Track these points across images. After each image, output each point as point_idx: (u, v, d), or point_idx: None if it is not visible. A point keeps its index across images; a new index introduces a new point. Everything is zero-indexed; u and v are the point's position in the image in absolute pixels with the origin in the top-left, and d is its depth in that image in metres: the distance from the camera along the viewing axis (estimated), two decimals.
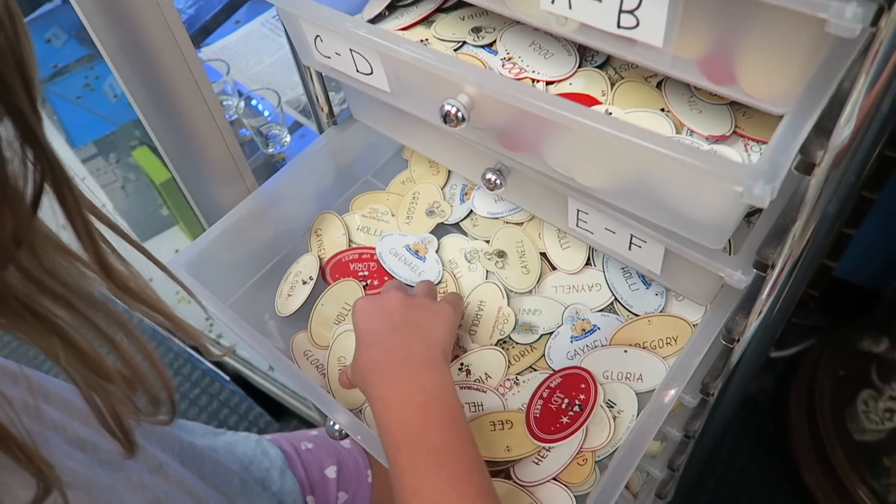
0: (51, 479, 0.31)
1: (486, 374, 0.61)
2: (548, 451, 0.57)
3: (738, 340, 0.53)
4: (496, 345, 0.63)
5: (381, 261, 0.70)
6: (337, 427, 0.57)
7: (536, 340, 0.64)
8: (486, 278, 0.68)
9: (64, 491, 0.32)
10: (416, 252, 0.70)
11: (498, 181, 0.59)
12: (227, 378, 1.29)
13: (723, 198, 0.40)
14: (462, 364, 0.62)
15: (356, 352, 0.54)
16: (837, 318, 1.27)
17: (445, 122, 0.49)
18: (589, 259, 0.67)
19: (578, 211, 0.56)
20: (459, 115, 0.48)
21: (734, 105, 0.50)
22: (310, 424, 1.37)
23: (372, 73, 0.55)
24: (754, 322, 0.51)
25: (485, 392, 0.60)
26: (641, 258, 0.55)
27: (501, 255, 0.68)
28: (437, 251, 0.70)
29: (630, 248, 0.55)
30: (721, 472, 1.23)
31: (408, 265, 0.70)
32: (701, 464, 0.74)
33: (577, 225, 0.58)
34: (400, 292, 0.57)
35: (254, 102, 1.00)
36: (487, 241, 0.71)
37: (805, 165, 0.39)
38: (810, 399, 1.17)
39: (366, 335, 0.53)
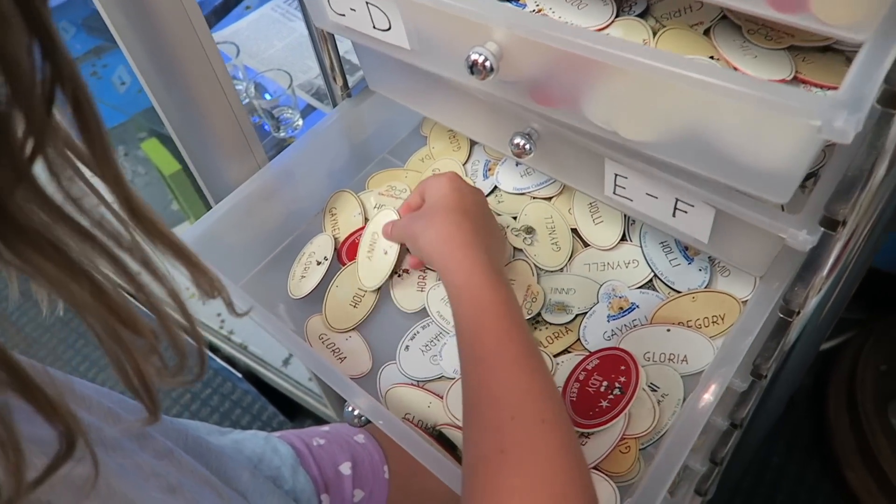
0: (74, 430, 0.27)
1: None
2: (587, 437, 0.52)
3: (799, 313, 0.48)
4: (553, 310, 0.58)
5: None
6: (357, 412, 0.53)
7: (570, 321, 0.59)
8: (514, 256, 0.63)
9: (89, 441, 0.28)
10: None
11: (527, 146, 0.54)
12: (240, 376, 1.25)
13: (796, 137, 0.35)
14: None
15: (431, 217, 0.52)
16: (876, 311, 1.20)
17: (472, 73, 0.44)
18: (624, 234, 0.63)
19: (616, 176, 0.52)
20: (488, 64, 0.44)
21: (792, 50, 0.45)
22: (326, 423, 1.32)
23: (390, 28, 0.51)
24: (819, 291, 0.46)
25: None
26: (687, 225, 0.50)
27: (530, 231, 0.63)
28: None
29: (674, 215, 0.50)
30: (757, 471, 1.17)
31: None
32: (748, 458, 0.69)
33: (614, 192, 0.53)
34: (485, 199, 0.56)
35: (265, 93, 0.97)
36: (514, 218, 0.66)
37: (890, 97, 0.34)
38: (851, 395, 1.11)
39: (454, 205, 0.52)
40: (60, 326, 1.60)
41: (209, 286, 0.36)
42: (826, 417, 1.14)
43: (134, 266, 0.30)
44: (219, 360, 1.28)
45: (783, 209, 0.45)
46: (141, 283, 0.31)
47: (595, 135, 0.47)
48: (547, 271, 0.62)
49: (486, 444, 0.40)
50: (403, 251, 0.63)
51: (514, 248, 0.64)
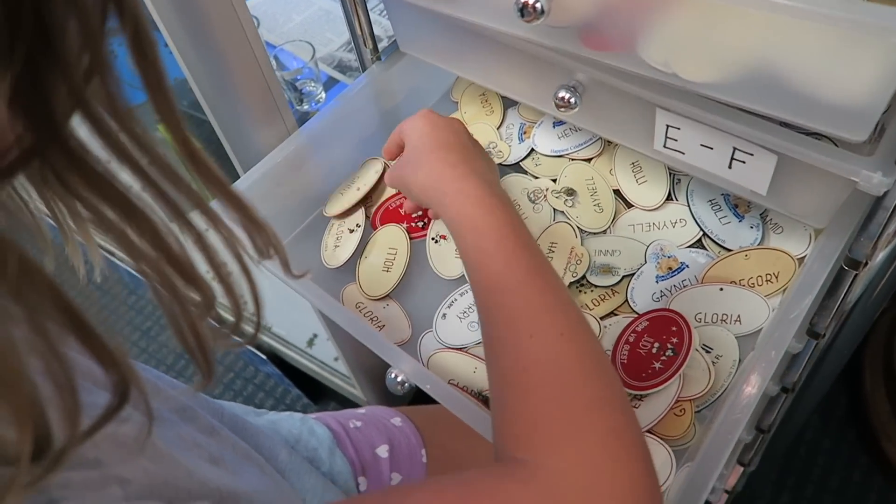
0: (129, 380, 0.26)
1: None
2: (640, 400, 0.50)
3: (866, 264, 0.46)
4: (570, 288, 0.57)
5: None
6: (400, 378, 0.51)
7: (617, 283, 0.57)
8: (555, 218, 0.61)
9: (144, 389, 0.27)
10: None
11: (572, 99, 0.52)
12: (264, 358, 1.24)
13: (881, 61, 0.33)
14: None
15: (417, 157, 0.51)
16: None
17: (522, 15, 0.42)
18: (669, 194, 0.60)
19: (668, 127, 0.49)
20: (539, 5, 0.42)
21: None
22: (353, 405, 1.31)
23: None
24: (890, 242, 0.43)
25: None
26: (745, 176, 0.48)
27: (571, 192, 0.61)
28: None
29: (731, 166, 0.48)
30: (791, 444, 1.15)
31: None
32: (799, 425, 0.66)
33: (664, 146, 0.51)
34: (465, 128, 0.55)
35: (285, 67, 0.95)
36: (553, 181, 0.64)
37: None
38: (888, 365, 1.08)
39: (434, 143, 0.51)
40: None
41: (264, 243, 0.34)
42: (862, 389, 1.12)
43: (190, 211, 0.29)
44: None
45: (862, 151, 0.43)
46: (200, 232, 0.29)
47: (648, 81, 0.45)
48: (590, 233, 0.60)
49: (509, 367, 0.39)
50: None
51: (556, 209, 0.62)
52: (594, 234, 0.60)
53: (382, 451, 0.64)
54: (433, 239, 0.62)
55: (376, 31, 0.88)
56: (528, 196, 0.63)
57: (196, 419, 0.44)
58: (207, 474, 0.36)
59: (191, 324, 0.31)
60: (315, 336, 1.18)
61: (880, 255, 0.46)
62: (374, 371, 1.05)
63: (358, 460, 0.63)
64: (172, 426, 0.40)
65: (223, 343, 0.35)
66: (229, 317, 0.34)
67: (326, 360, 1.16)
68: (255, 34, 0.58)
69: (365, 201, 0.66)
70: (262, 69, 0.60)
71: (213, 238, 0.31)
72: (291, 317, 1.16)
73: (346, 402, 1.30)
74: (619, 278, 0.57)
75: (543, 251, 0.59)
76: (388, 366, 0.52)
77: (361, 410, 0.70)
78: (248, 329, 0.35)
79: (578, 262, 0.58)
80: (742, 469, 0.78)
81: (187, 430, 0.41)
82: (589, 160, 0.64)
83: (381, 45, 0.69)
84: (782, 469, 1.13)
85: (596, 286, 0.57)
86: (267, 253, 0.34)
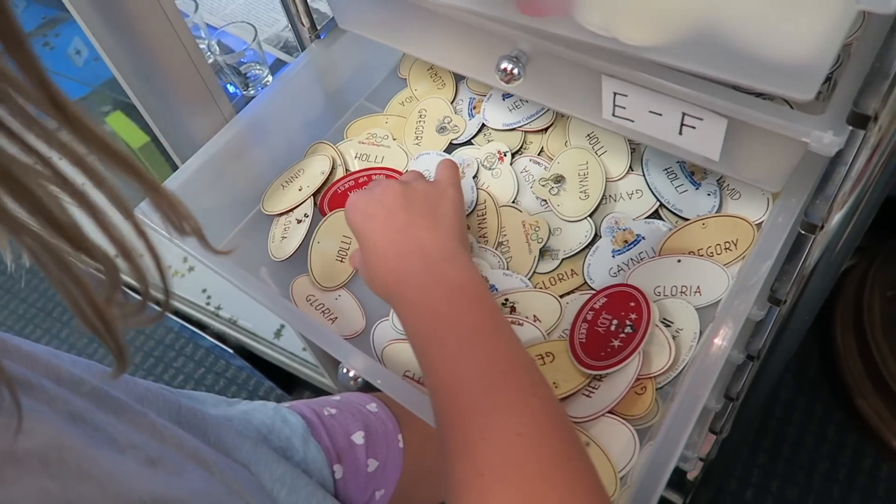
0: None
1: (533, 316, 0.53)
2: (600, 380, 0.49)
3: (823, 227, 0.44)
4: (539, 256, 0.55)
5: None
6: (352, 374, 0.49)
7: (559, 266, 0.55)
8: (545, 207, 0.59)
9: (14, 388, 0.25)
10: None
11: (515, 70, 0.49)
12: (232, 352, 1.22)
13: (822, 16, 0.30)
14: (507, 300, 0.53)
15: (365, 258, 0.48)
16: (880, 235, 1.17)
17: None
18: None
19: (615, 95, 0.47)
20: None
21: None
22: (324, 394, 1.29)
23: None
24: (844, 204, 0.42)
25: (521, 325, 0.52)
26: (696, 142, 0.46)
27: (559, 180, 0.58)
28: (474, 176, 0.61)
29: (681, 132, 0.46)
30: (765, 404, 1.15)
31: None
32: (768, 393, 0.66)
33: (613, 114, 0.49)
34: (393, 181, 0.50)
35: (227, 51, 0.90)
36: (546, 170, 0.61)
37: None
38: (858, 322, 1.08)
39: (371, 239, 0.47)
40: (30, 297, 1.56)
41: (173, 214, 0.31)
42: (833, 346, 1.12)
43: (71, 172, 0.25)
44: (209, 337, 1.24)
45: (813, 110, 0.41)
46: (94, 207, 0.26)
47: (590, 47, 0.42)
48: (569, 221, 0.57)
49: (461, 470, 0.35)
50: None
51: (539, 197, 0.59)
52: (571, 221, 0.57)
53: (358, 437, 0.63)
54: None
55: (322, 7, 0.85)
56: (483, 164, 0.61)
57: (134, 416, 0.42)
58: (135, 480, 0.33)
59: (91, 302, 0.28)
60: (282, 327, 1.16)
61: (837, 217, 0.44)
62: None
63: (333, 448, 0.61)
64: (105, 426, 0.38)
65: (135, 321, 0.32)
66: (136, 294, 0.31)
67: (295, 351, 1.14)
68: (176, 15, 0.54)
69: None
70: (189, 53, 0.57)
71: (98, 197, 0.28)
72: (257, 309, 1.14)
73: (318, 392, 1.28)
74: (559, 262, 0.55)
75: (498, 237, 0.57)
76: None
77: (336, 398, 0.69)
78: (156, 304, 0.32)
79: (536, 228, 0.56)
80: (715, 437, 0.78)
81: (122, 430, 0.39)
82: (542, 131, 0.62)
83: (322, 24, 0.66)
84: (758, 431, 1.14)
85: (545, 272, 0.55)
86: (179, 227, 0.31)
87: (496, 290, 0.54)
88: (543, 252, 0.56)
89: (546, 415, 0.37)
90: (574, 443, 0.36)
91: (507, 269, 0.55)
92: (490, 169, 0.61)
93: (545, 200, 0.58)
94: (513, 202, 0.59)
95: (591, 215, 0.56)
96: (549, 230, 0.56)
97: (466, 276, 0.43)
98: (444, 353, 0.40)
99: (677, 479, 0.97)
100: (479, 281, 0.43)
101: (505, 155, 0.61)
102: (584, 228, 0.56)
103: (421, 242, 0.45)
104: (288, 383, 1.30)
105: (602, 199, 0.57)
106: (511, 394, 0.37)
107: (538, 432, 0.35)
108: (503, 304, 0.53)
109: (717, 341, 0.45)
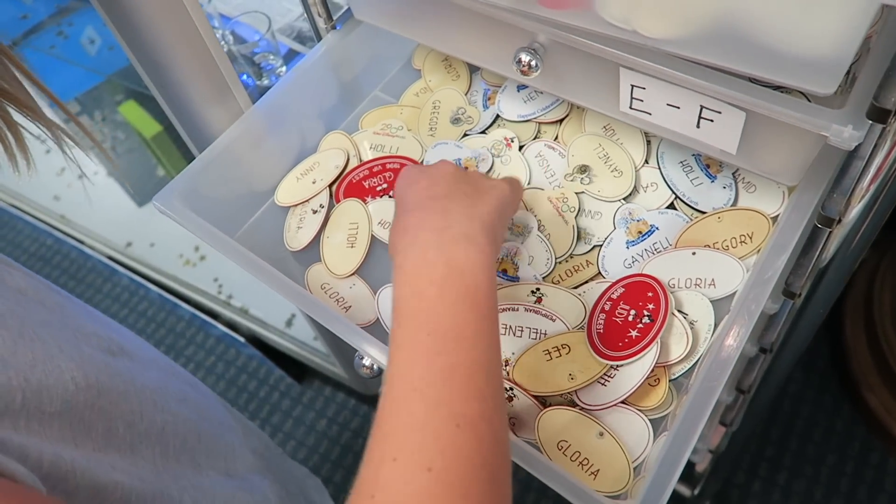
0: None
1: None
2: (616, 369, 0.49)
3: (840, 221, 0.44)
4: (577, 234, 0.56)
5: None
6: (368, 362, 0.49)
7: (589, 251, 0.55)
8: (579, 200, 0.59)
9: None
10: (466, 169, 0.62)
11: (533, 62, 0.49)
12: (243, 341, 1.22)
13: (845, 11, 0.31)
14: (535, 290, 0.54)
15: (394, 218, 0.45)
16: (891, 229, 1.17)
17: None
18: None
19: (633, 87, 0.47)
20: None
21: None
22: (335, 383, 1.30)
23: None
24: (863, 197, 0.42)
25: (553, 320, 0.52)
26: (714, 135, 0.46)
27: (584, 170, 0.58)
28: (489, 171, 0.61)
29: (699, 125, 0.46)
30: (774, 397, 1.16)
31: None
32: (779, 386, 0.66)
33: (630, 107, 0.49)
34: (453, 164, 0.48)
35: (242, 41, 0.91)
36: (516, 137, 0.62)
37: None
38: (868, 316, 1.08)
39: (404, 200, 0.45)
40: None
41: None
42: (843, 339, 1.12)
43: None
44: (220, 326, 1.26)
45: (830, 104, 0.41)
46: None
47: (609, 39, 0.42)
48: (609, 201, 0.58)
49: (361, 485, 0.32)
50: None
51: (576, 193, 0.58)
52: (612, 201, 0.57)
53: None
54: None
55: None
56: (491, 152, 0.61)
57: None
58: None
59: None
60: (293, 316, 1.17)
61: (854, 211, 0.44)
62: (351, 350, 1.04)
63: None
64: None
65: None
66: None
67: (306, 340, 1.15)
68: (194, 4, 0.54)
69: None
70: (206, 43, 0.57)
71: None
72: (269, 298, 1.15)
73: (328, 381, 1.29)
74: (590, 247, 0.55)
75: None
76: None
77: None
78: None
79: (565, 200, 0.56)
80: (725, 429, 0.78)
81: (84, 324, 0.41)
82: (558, 122, 0.62)
83: (338, 14, 0.66)
84: (766, 423, 1.14)
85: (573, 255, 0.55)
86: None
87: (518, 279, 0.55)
88: (581, 232, 0.56)
89: (469, 456, 0.32)
90: (497, 478, 0.33)
91: (549, 246, 0.56)
92: (498, 156, 0.61)
93: (583, 193, 0.58)
94: (528, 185, 0.60)
95: (630, 195, 0.57)
96: (579, 203, 0.57)
97: (471, 263, 0.39)
98: (413, 343, 0.36)
99: (686, 471, 0.98)
100: (481, 270, 0.39)
101: (512, 141, 0.61)
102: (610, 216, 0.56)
103: (446, 211, 0.42)
104: (299, 372, 1.31)
105: (635, 174, 0.57)
106: (444, 422, 0.33)
107: (454, 469, 0.32)
108: (532, 292, 0.53)
109: (733, 334, 0.45)
